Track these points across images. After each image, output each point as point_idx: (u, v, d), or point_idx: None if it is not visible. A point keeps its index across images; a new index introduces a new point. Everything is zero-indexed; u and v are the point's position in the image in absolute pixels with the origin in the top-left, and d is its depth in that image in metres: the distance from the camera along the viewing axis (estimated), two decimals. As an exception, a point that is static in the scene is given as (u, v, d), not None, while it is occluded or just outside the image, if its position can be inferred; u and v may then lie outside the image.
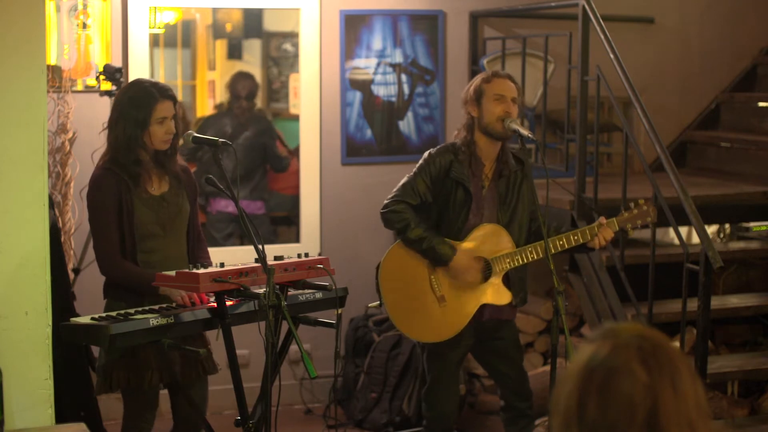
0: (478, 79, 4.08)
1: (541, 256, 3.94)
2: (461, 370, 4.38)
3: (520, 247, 3.99)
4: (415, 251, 4.01)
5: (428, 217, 4.07)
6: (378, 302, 4.09)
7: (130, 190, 3.64)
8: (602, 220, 3.98)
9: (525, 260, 3.96)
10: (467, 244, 4.01)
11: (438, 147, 4.12)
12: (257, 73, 6.13)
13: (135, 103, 3.64)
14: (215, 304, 3.50)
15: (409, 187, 4.02)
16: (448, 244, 3.98)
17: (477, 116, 4.01)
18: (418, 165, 4.07)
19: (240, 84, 5.91)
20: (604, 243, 3.97)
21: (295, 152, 5.92)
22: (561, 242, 3.93)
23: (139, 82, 3.77)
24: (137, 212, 3.65)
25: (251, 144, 5.91)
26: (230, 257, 4.00)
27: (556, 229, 4.09)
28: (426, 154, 4.08)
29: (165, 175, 3.77)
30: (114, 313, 3.39)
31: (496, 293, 4.02)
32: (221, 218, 5.92)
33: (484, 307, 4.05)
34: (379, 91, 5.91)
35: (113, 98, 3.78)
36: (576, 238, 3.94)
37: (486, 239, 4.00)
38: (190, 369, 3.75)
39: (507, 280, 4.07)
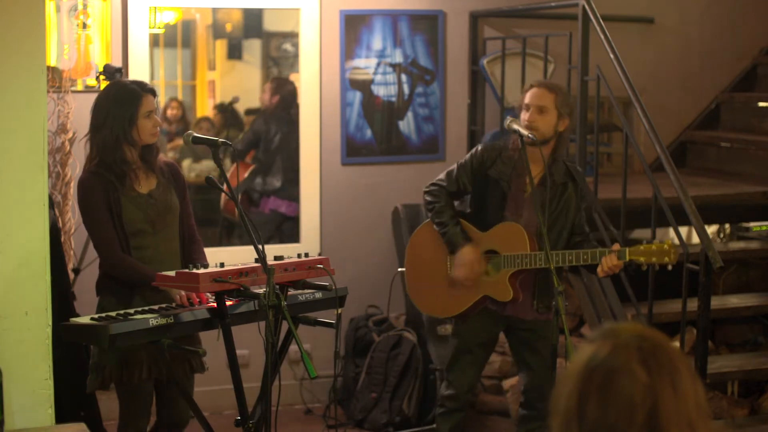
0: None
1: (547, 265, 3.88)
2: (488, 357, 4.39)
3: (532, 252, 4.00)
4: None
5: (474, 205, 4.21)
6: (404, 268, 4.39)
7: (117, 190, 3.70)
8: (615, 246, 3.93)
9: (534, 265, 3.99)
10: (485, 237, 4.12)
11: (488, 144, 4.30)
12: (257, 74, 6.13)
13: (121, 102, 3.71)
14: (215, 304, 3.50)
15: (452, 175, 4.23)
16: (461, 236, 4.12)
17: None
18: (465, 156, 4.26)
19: (287, 88, 5.96)
20: (608, 270, 3.89)
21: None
22: (570, 257, 3.93)
23: (118, 82, 3.88)
24: (125, 210, 3.70)
25: (295, 146, 5.92)
26: (230, 257, 4.00)
27: (578, 244, 4.09)
28: (476, 147, 4.27)
29: (151, 172, 3.82)
30: (114, 313, 3.40)
31: (498, 288, 4.09)
32: (273, 218, 5.95)
33: (506, 304, 4.13)
34: (379, 91, 5.91)
35: (93, 103, 3.81)
36: (585, 257, 3.93)
37: (504, 236, 4.09)
38: (177, 366, 3.77)
39: (534, 285, 4.10)
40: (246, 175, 5.91)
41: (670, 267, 3.96)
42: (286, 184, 5.94)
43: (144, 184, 3.78)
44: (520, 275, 4.09)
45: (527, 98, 4.09)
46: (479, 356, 4.28)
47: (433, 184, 4.25)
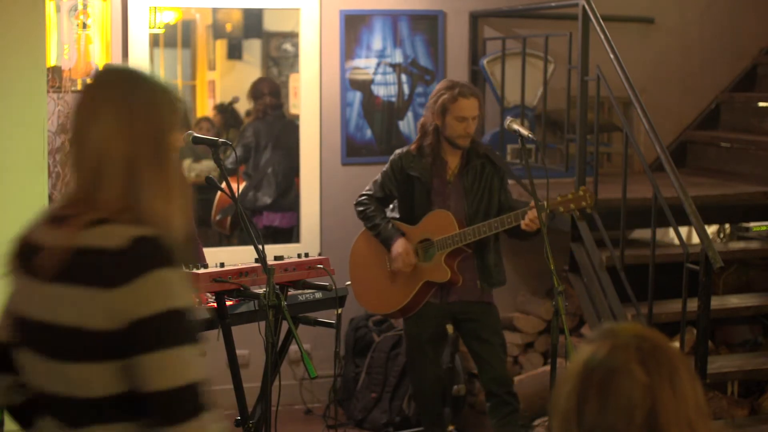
0: (445, 94, 4.38)
1: (477, 237, 4.29)
2: (440, 352, 4.69)
3: (461, 230, 4.31)
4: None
5: (402, 208, 4.52)
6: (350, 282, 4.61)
7: None
8: (532, 204, 4.11)
9: (464, 241, 4.31)
10: (417, 229, 4.44)
11: (402, 148, 4.62)
12: (257, 73, 6.13)
13: None
14: (215, 304, 3.50)
15: (377, 183, 4.55)
16: (394, 231, 4.44)
17: (440, 125, 4.39)
18: (386, 165, 4.55)
19: (262, 85, 5.95)
20: (529, 223, 4.13)
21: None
22: (496, 224, 4.25)
23: None
24: None
25: (290, 153, 5.91)
26: (230, 257, 4.00)
27: (517, 216, 4.28)
28: (393, 154, 4.57)
29: None
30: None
31: (436, 271, 4.39)
32: (266, 233, 5.93)
33: (450, 290, 4.42)
34: (379, 91, 5.91)
35: None
36: (509, 220, 4.22)
37: (434, 223, 4.40)
38: None
39: (474, 266, 4.40)
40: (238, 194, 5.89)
41: (589, 210, 4.22)
42: (279, 197, 5.91)
43: None
44: (458, 257, 4.38)
45: (462, 111, 4.33)
46: (431, 352, 4.55)
47: (361, 195, 4.57)
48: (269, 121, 5.91)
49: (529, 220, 4.15)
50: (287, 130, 5.93)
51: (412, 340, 4.55)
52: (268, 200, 5.90)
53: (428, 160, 4.41)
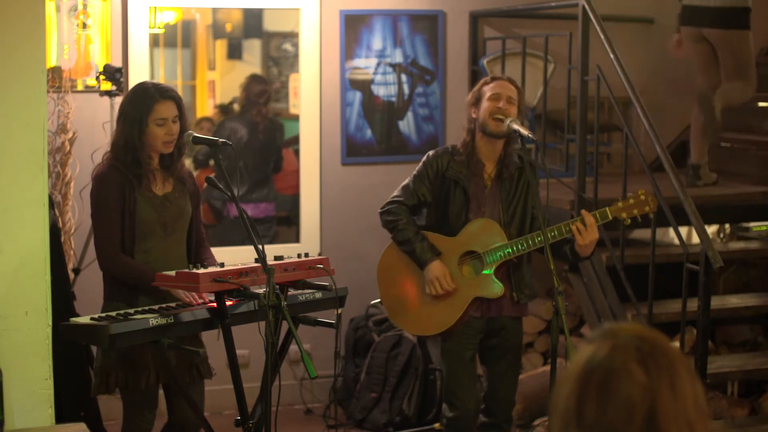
0: (480, 83, 4.14)
1: (531, 247, 3.95)
2: (476, 371, 4.25)
3: (512, 240, 3.98)
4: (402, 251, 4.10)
5: (433, 215, 4.11)
6: (379, 299, 4.20)
7: (134, 188, 3.64)
8: (583, 212, 3.90)
9: (516, 252, 3.96)
10: (458, 241, 4.04)
11: (437, 149, 4.20)
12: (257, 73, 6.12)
13: (134, 103, 3.65)
14: (215, 304, 3.50)
15: (409, 189, 4.11)
16: (429, 251, 4.02)
17: (476, 117, 4.07)
18: (417, 167, 4.15)
19: (256, 89, 5.93)
20: (581, 227, 3.83)
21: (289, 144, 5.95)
22: (539, 239, 3.90)
23: (141, 83, 3.80)
24: (140, 210, 3.64)
25: (266, 146, 5.91)
26: (230, 257, 4.00)
27: (539, 229, 4.02)
28: (425, 156, 4.16)
29: (169, 177, 3.77)
30: (114, 313, 3.40)
31: (487, 286, 4.02)
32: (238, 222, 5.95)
33: (490, 304, 4.06)
34: (379, 91, 5.92)
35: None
36: (553, 234, 3.89)
37: (478, 233, 4.03)
38: (185, 371, 3.73)
39: (509, 277, 4.07)
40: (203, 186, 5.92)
41: (651, 215, 4.01)
42: (248, 191, 5.88)
43: (161, 187, 3.73)
44: (502, 269, 4.03)
45: (495, 88, 4.02)
46: (473, 369, 4.17)
47: (389, 203, 4.11)
48: (247, 118, 5.90)
49: (580, 228, 3.83)
50: (266, 126, 5.93)
51: (455, 360, 4.09)
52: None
53: (463, 159, 4.05)
